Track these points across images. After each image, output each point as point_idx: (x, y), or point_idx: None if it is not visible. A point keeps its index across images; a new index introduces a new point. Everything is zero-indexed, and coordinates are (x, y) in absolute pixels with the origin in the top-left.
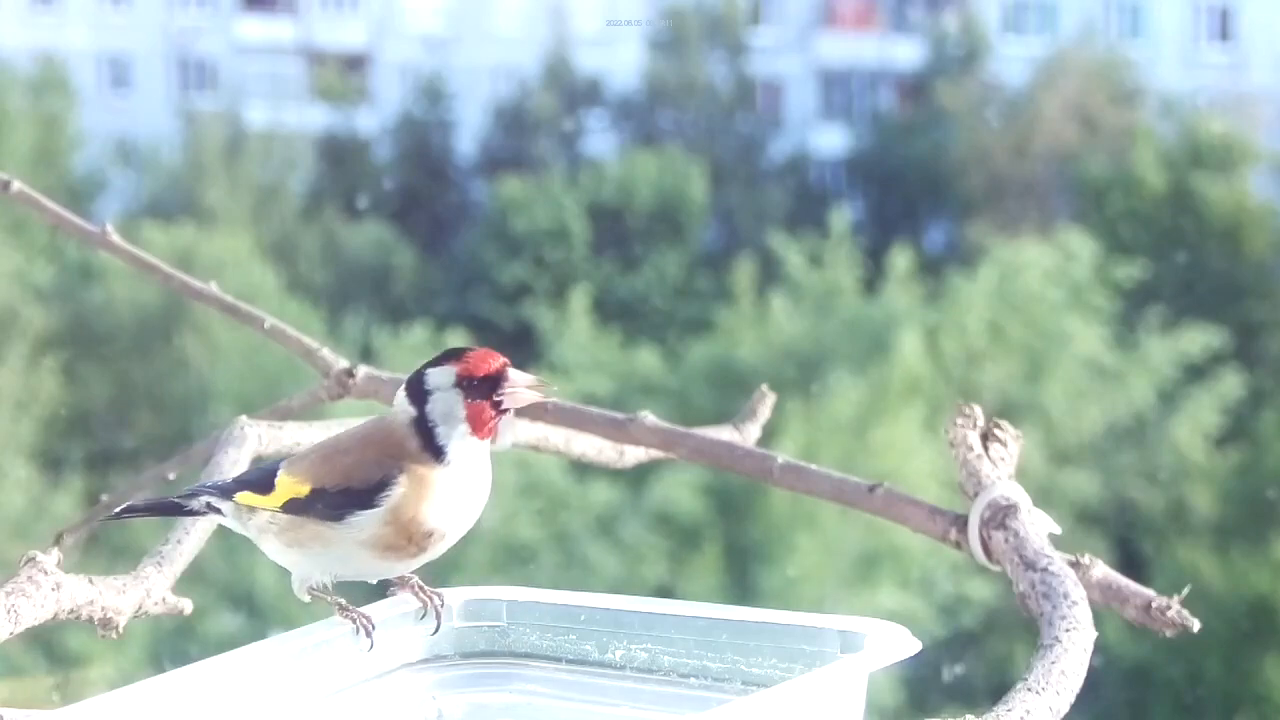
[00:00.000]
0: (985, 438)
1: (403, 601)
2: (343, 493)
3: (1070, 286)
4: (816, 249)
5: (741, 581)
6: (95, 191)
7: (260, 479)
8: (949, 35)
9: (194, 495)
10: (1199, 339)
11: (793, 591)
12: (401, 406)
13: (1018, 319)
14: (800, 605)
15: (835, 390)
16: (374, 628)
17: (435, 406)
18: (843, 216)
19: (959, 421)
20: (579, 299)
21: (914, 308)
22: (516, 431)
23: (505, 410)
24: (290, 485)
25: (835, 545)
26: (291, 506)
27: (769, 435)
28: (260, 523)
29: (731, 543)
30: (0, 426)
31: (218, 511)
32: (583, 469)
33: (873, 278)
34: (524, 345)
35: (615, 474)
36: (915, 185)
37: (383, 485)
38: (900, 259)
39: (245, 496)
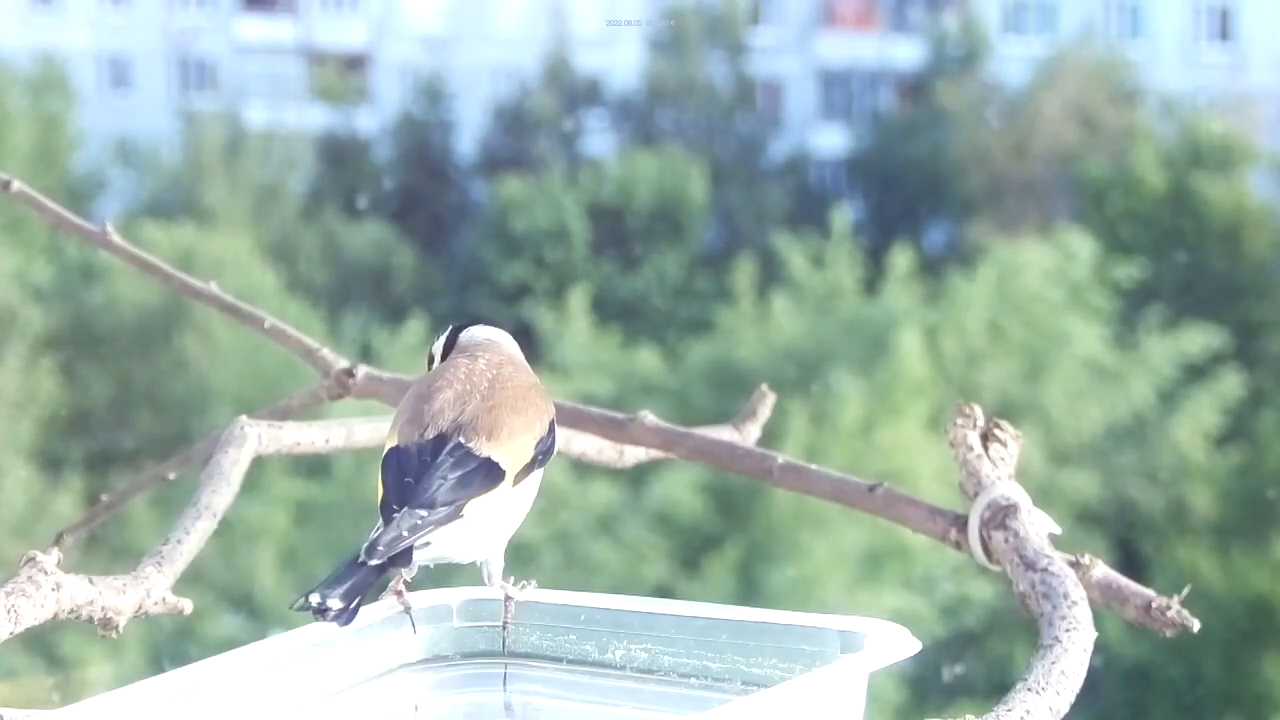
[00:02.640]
0: (985, 438)
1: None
2: (550, 424)
3: (1070, 286)
4: (817, 249)
5: (743, 581)
6: (95, 191)
7: (478, 477)
8: (949, 35)
9: (381, 549)
10: (1199, 339)
11: (794, 591)
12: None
13: (1018, 319)
14: (801, 605)
15: (836, 390)
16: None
17: None
18: (843, 216)
19: (959, 421)
20: (579, 299)
21: (914, 308)
22: None
23: None
24: (516, 453)
25: (837, 545)
26: (525, 470)
27: (770, 435)
28: (493, 510)
29: (733, 543)
30: (0, 426)
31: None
32: (583, 469)
33: (873, 278)
34: (523, 345)
35: (615, 474)
36: (915, 185)
37: (546, 401)
38: (900, 259)
39: (480, 502)
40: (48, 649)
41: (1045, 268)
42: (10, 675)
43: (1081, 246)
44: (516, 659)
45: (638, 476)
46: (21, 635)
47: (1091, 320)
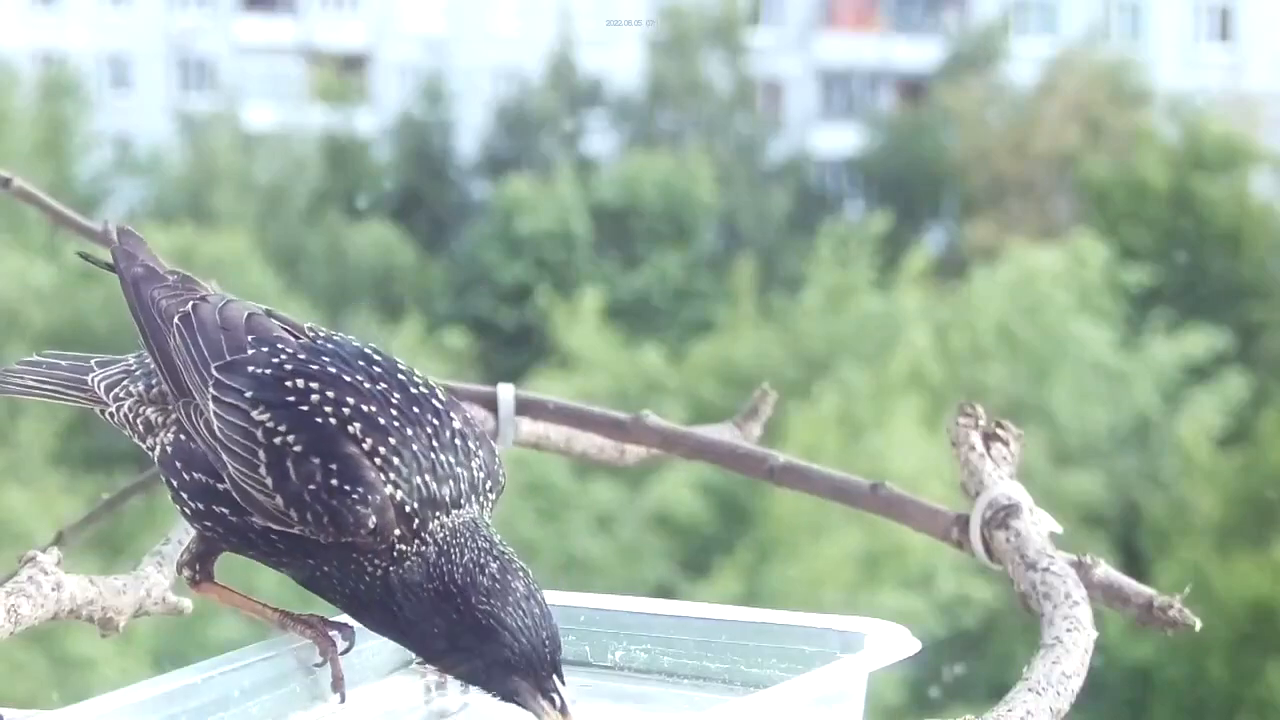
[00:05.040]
0: (988, 437)
1: None
2: None
3: (1080, 290)
4: (820, 249)
5: (743, 581)
6: (96, 192)
7: None
8: (950, 36)
9: None
10: (1202, 340)
11: (794, 591)
12: None
13: (1026, 321)
14: (801, 605)
15: (840, 389)
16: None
17: None
18: (846, 217)
19: (961, 420)
20: (588, 299)
21: (920, 308)
22: (518, 430)
23: None
24: None
25: (837, 546)
26: None
27: (774, 433)
28: None
29: (732, 543)
30: (0, 427)
31: None
32: (583, 468)
33: (878, 278)
34: (524, 345)
35: (616, 473)
36: (917, 186)
37: None
38: (908, 259)
39: None
40: (49, 649)
41: (1057, 271)
42: (11, 675)
43: (1092, 251)
44: None
45: (638, 476)
46: (22, 635)
47: (1099, 323)
